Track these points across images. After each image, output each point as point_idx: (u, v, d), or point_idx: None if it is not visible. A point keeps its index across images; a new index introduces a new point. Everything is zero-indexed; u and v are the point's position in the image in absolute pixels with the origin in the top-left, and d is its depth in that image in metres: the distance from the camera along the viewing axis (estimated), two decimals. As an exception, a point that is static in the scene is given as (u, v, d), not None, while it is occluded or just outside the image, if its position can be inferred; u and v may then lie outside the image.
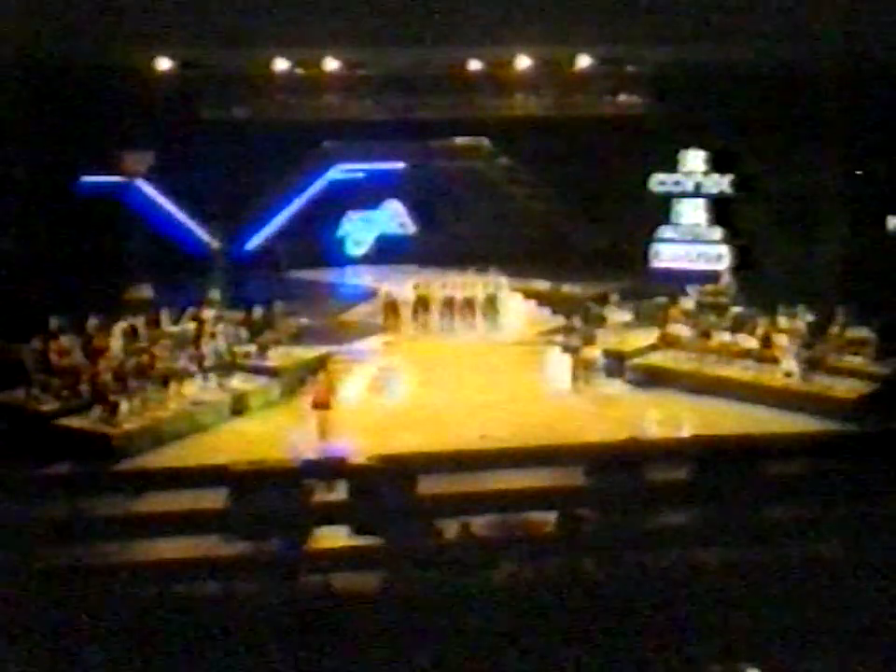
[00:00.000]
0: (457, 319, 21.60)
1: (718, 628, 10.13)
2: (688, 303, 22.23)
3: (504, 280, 22.83)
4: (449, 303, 21.62)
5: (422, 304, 21.57)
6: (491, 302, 21.73)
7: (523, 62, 28.07)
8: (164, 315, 20.76)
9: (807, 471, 15.98)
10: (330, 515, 14.83)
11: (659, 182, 26.31)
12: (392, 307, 21.73)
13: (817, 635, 10.01)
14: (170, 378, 18.08)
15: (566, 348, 20.43)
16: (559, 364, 20.21)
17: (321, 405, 17.26)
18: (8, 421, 16.94)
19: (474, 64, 28.39)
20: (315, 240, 28.84)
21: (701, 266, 25.55)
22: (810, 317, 20.56)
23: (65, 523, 14.37)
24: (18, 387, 17.89)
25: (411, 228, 30.23)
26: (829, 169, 26.04)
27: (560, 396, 19.50)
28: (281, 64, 28.04)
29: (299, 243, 28.20)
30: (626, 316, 21.87)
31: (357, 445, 16.73)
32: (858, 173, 25.34)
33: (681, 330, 20.88)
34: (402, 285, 22.52)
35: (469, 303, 21.63)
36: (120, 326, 19.82)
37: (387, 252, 29.42)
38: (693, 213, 26.26)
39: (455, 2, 23.02)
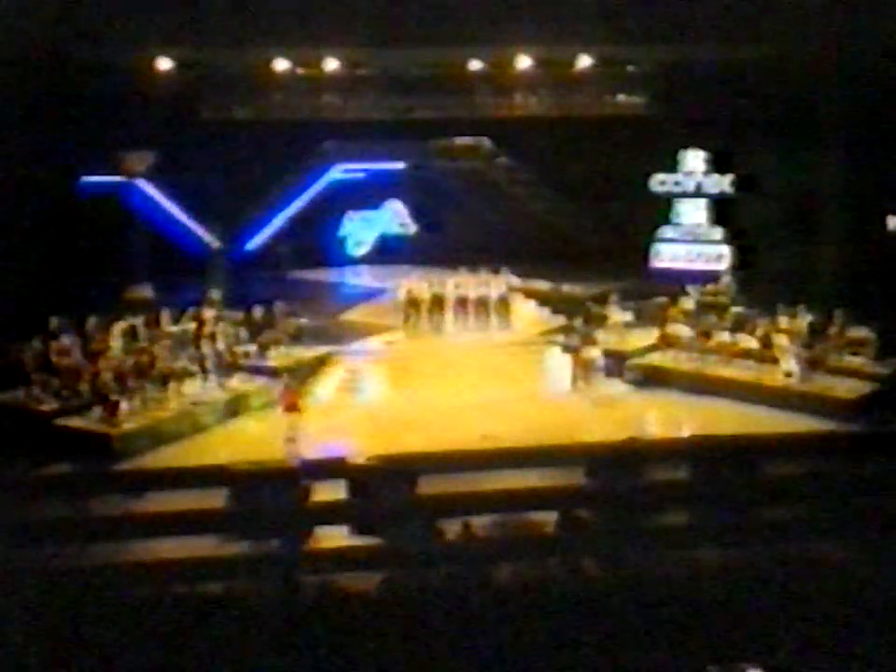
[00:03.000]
0: (470, 318, 21.66)
1: (718, 628, 10.12)
2: (688, 303, 22.22)
3: (516, 280, 22.90)
4: (462, 303, 21.69)
5: (438, 303, 21.63)
6: (503, 302, 21.79)
7: (523, 62, 28.08)
8: (164, 315, 20.75)
9: (807, 471, 15.99)
10: (330, 515, 14.86)
11: (659, 182, 26.35)
12: (414, 304, 21.77)
13: (817, 635, 10.01)
14: (170, 378, 18.06)
15: (566, 348, 20.43)
16: (559, 364, 20.21)
17: (291, 409, 17.11)
18: (8, 421, 16.94)
19: (474, 64, 28.40)
20: (315, 240, 28.86)
21: (701, 266, 25.59)
22: (810, 318, 20.55)
23: (65, 523, 14.40)
24: (18, 387, 17.90)
25: (411, 228, 30.26)
26: (829, 169, 26.05)
27: (560, 396, 19.50)
28: (281, 64, 28.05)
29: (299, 243, 28.21)
30: (626, 316, 21.86)
31: (356, 445, 16.74)
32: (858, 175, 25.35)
33: (681, 330, 20.86)
34: (420, 283, 22.52)
35: (482, 302, 21.70)
36: (120, 326, 19.80)
37: (388, 252, 29.46)
38: (693, 213, 26.29)
39: (454, 2, 23.04)
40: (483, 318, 21.72)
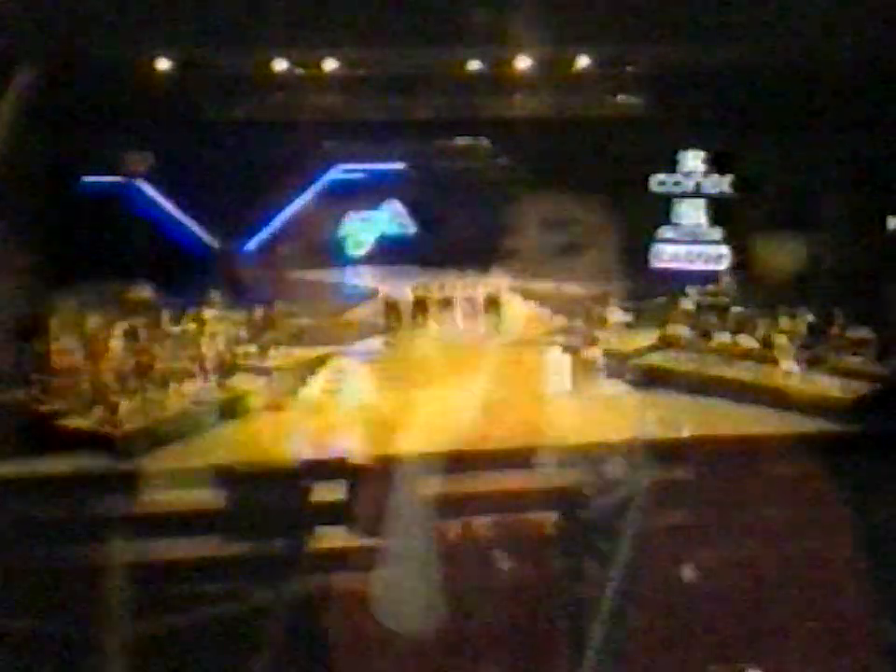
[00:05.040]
0: (459, 320, 21.62)
1: (718, 628, 10.12)
2: (688, 304, 22.24)
3: (506, 280, 22.86)
4: (449, 304, 21.65)
5: (421, 306, 21.60)
6: (493, 303, 21.76)
7: (523, 62, 28.04)
8: (164, 315, 20.76)
9: (807, 471, 15.99)
10: (330, 515, 14.86)
11: (659, 182, 26.37)
12: (393, 308, 21.77)
13: (817, 635, 10.01)
14: (170, 378, 18.08)
15: (566, 348, 20.43)
16: (559, 364, 20.20)
17: (273, 408, 17.10)
18: (8, 421, 16.94)
19: (474, 64, 28.36)
20: (315, 240, 28.84)
21: (701, 266, 25.61)
22: (810, 317, 20.56)
23: (65, 523, 14.41)
24: (18, 387, 17.90)
25: (411, 228, 30.26)
26: (829, 169, 26.04)
27: (560, 396, 19.50)
28: (281, 64, 28.01)
29: (299, 243, 28.19)
30: (627, 317, 21.87)
31: (356, 445, 16.75)
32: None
33: (681, 331, 20.88)
34: (402, 286, 22.55)
35: (471, 304, 21.67)
36: (120, 326, 19.82)
37: (388, 252, 29.46)
38: (693, 213, 26.30)
39: (454, 2, 23.00)
40: (471, 319, 21.67)
